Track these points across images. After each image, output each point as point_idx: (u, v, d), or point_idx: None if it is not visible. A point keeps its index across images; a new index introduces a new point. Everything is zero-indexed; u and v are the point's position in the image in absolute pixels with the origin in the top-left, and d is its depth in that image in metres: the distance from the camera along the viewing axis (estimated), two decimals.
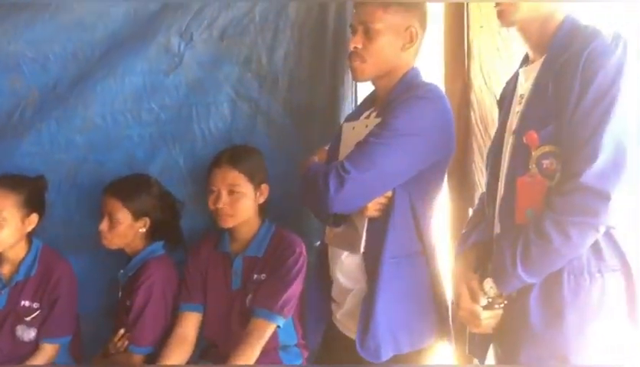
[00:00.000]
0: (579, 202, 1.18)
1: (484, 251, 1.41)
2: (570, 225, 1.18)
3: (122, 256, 1.93)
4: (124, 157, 1.99)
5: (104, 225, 1.84)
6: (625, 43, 1.21)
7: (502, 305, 1.30)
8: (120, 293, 1.92)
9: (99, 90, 1.94)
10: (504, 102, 1.48)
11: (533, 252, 1.22)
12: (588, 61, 1.20)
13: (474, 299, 1.32)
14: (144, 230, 1.88)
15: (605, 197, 1.16)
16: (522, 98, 1.37)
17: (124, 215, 1.84)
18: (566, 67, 1.24)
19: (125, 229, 1.85)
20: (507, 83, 1.52)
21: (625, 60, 1.20)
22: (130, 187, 1.86)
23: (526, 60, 1.43)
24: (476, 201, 1.65)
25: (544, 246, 1.21)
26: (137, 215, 1.86)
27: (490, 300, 1.30)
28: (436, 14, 1.83)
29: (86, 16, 1.94)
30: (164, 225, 1.93)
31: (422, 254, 1.54)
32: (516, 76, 1.44)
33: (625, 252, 1.23)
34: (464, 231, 1.55)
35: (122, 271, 1.92)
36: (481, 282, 1.32)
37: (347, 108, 1.97)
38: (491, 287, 1.29)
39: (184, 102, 2.00)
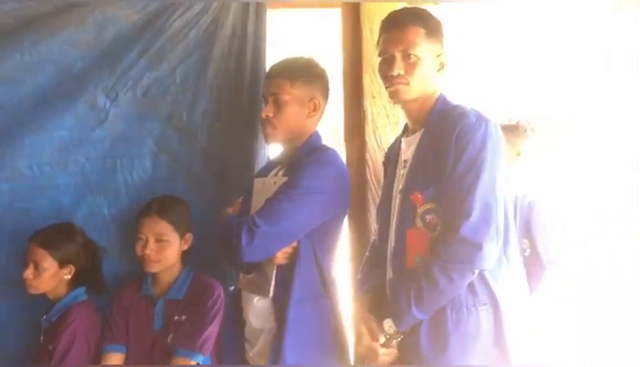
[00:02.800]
0: (459, 251, 1.45)
1: (378, 295, 1.64)
2: (453, 270, 1.45)
3: (44, 301, 2.00)
4: (50, 205, 2.09)
5: (29, 273, 1.91)
6: (486, 122, 1.52)
7: (399, 340, 1.53)
8: (42, 337, 1.98)
9: (28, 143, 2.05)
10: (390, 164, 1.75)
11: (424, 294, 1.47)
12: (459, 136, 1.49)
13: (373, 337, 1.54)
14: (69, 277, 1.98)
15: (478, 247, 1.44)
16: (406, 163, 1.64)
17: (50, 264, 1.93)
18: (442, 140, 1.52)
19: (51, 277, 1.94)
20: (391, 148, 1.80)
21: (488, 136, 1.50)
22: (56, 236, 1.96)
23: (406, 130, 1.71)
24: None
25: (433, 288, 1.46)
26: (62, 263, 1.96)
27: (388, 336, 1.53)
28: (338, 85, 2.11)
29: (14, 72, 2.05)
30: (88, 272, 2.03)
31: (325, 296, 1.75)
32: (399, 143, 1.72)
33: (494, 289, 1.51)
34: (359, 277, 1.80)
35: (44, 316, 1.99)
36: (379, 322, 1.54)
37: (262, 160, 2.17)
38: (390, 326, 1.52)
39: (108, 154, 2.13)
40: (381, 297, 1.63)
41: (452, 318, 1.49)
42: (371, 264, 1.78)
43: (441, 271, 1.45)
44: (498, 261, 1.52)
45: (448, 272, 1.45)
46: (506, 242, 1.55)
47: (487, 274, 1.50)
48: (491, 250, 1.46)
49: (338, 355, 1.77)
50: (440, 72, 1.62)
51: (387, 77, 1.60)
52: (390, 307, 1.54)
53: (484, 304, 1.51)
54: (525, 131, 2.46)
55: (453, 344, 1.48)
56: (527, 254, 2.33)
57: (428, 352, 1.50)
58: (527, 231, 2.38)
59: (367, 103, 2.04)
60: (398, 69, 1.57)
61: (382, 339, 1.54)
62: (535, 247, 2.35)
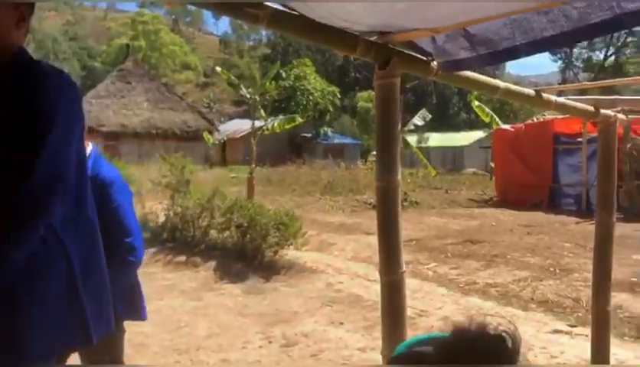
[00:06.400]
0: (23, 208, 1.38)
1: None
2: (17, 233, 1.37)
3: None
4: None
5: None
6: (61, 74, 1.52)
7: None
8: None
9: None
10: None
11: None
12: (33, 86, 1.45)
13: None
14: None
15: (43, 201, 1.41)
16: None
17: None
18: (13, 91, 1.45)
19: None
20: None
21: (62, 86, 1.48)
22: None
23: None
24: None
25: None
26: None
27: None
28: None
29: None
30: None
31: None
32: None
33: (64, 241, 1.50)
34: None
35: None
36: None
37: None
38: None
39: None
40: None
41: (28, 280, 1.44)
42: None
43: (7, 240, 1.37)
44: (71, 220, 1.53)
45: (10, 238, 1.37)
46: (80, 205, 1.58)
47: (58, 230, 1.50)
48: (55, 204, 1.44)
49: None
50: (20, 25, 1.57)
51: None
52: None
53: (57, 257, 1.50)
54: None
55: (23, 297, 1.44)
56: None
57: None
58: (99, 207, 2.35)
59: None
60: None
61: None
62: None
